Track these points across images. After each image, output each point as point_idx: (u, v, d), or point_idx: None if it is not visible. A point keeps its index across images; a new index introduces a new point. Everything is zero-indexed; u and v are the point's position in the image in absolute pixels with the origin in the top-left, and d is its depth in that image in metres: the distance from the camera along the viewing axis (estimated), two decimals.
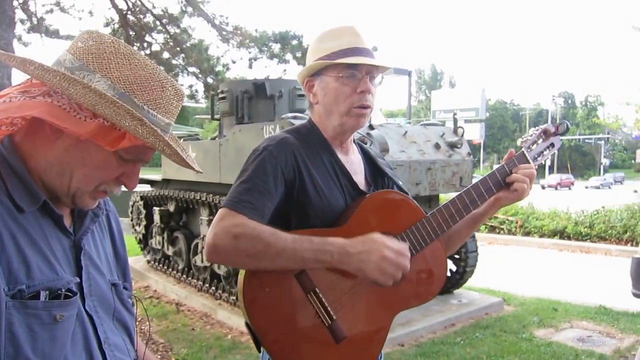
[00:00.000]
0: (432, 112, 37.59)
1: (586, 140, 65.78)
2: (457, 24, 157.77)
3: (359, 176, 1.61)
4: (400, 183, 1.70)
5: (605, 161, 65.17)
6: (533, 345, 4.71)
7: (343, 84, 1.50)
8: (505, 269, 9.36)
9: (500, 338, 4.92)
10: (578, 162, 70.43)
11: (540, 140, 1.63)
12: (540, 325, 5.32)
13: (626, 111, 12.53)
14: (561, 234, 12.26)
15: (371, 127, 4.96)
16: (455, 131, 5.96)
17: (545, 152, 1.64)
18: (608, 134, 57.17)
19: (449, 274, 6.19)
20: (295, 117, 4.82)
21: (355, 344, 1.45)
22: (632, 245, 10.72)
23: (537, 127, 1.68)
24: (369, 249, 1.38)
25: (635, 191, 29.69)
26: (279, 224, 1.41)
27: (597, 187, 43.76)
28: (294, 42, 10.76)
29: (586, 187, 43.14)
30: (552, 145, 1.65)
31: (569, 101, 76.70)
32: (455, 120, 6.21)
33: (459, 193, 1.56)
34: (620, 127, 16.58)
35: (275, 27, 12.20)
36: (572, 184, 45.66)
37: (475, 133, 35.51)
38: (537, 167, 1.63)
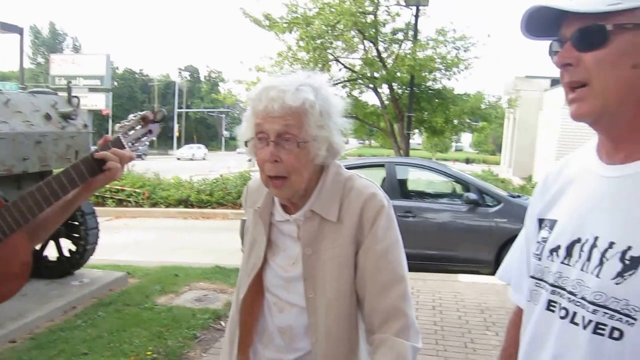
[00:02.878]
0: (52, 78, 33.94)
1: (210, 114, 71.38)
2: None
3: None
4: None
5: (226, 133, 72.16)
6: (154, 313, 4.86)
7: None
8: (133, 241, 9.38)
9: (123, 312, 4.90)
10: (204, 134, 75.98)
11: (139, 126, 1.59)
12: (162, 293, 5.53)
13: (240, 88, 14.05)
14: (185, 202, 13.03)
15: None
16: (69, 101, 5.52)
17: (143, 139, 1.61)
18: (228, 108, 63.43)
19: (68, 254, 5.79)
20: None
21: None
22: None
23: (135, 113, 1.64)
24: None
25: (249, 160, 34.00)
26: None
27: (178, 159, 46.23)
28: None
29: (178, 158, 44.93)
30: (150, 131, 1.63)
31: (195, 75, 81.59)
32: (69, 89, 5.74)
33: (46, 179, 1.39)
34: (237, 102, 18.52)
35: None
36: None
37: (101, 103, 33.93)
38: (137, 151, 1.60)
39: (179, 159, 45.23)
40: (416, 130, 15.17)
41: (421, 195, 7.73)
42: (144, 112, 1.64)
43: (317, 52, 12.73)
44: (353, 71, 13.99)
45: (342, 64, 13.91)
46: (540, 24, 0.95)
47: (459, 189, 7.39)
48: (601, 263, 0.89)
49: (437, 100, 13.68)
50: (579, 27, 0.89)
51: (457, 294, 5.47)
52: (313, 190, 1.41)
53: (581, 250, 0.93)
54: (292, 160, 1.32)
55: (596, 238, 0.91)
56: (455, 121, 14.07)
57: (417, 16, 12.63)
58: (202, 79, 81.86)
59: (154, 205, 13.12)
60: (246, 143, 1.41)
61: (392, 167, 6.86)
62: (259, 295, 1.50)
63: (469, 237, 6.41)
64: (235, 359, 1.52)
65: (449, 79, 13.60)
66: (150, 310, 4.95)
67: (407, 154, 12.67)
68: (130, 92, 69.66)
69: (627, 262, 0.85)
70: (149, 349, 4.07)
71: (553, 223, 1.03)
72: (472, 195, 6.38)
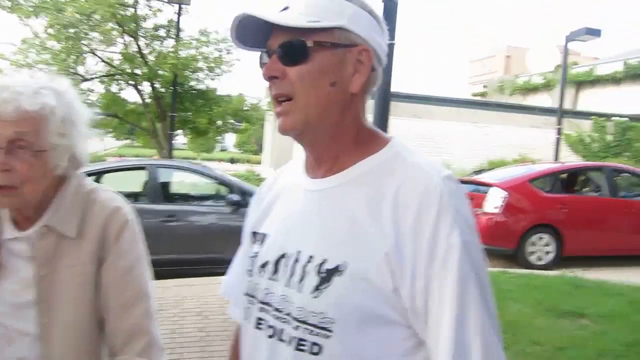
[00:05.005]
0: None
1: None
2: None
3: None
4: None
5: None
6: None
7: None
8: None
9: None
10: None
11: None
12: None
13: None
14: None
15: None
16: None
17: None
18: None
19: None
20: None
21: None
22: None
23: None
24: None
25: None
26: None
27: None
28: None
29: None
30: None
31: None
32: None
33: None
34: None
35: None
36: None
37: None
38: None
39: None
40: (180, 131, 14.88)
41: (185, 198, 7.57)
42: None
43: (70, 42, 11.57)
44: (111, 66, 13.08)
45: (100, 58, 12.89)
46: (252, 33, 0.94)
47: (222, 190, 7.44)
48: (302, 278, 0.90)
49: (200, 101, 13.62)
50: (283, 40, 0.90)
51: (222, 297, 5.47)
52: (50, 203, 1.26)
53: (286, 265, 0.94)
54: (26, 169, 1.18)
55: (299, 252, 0.92)
56: (219, 122, 14.20)
57: (179, 14, 12.39)
58: None
59: None
60: None
61: (153, 170, 6.55)
62: None
63: (233, 238, 6.41)
64: None
65: (212, 80, 13.68)
66: None
67: (170, 155, 12.32)
68: None
69: (322, 275, 0.87)
70: None
71: (264, 237, 1.03)
72: (235, 197, 6.46)
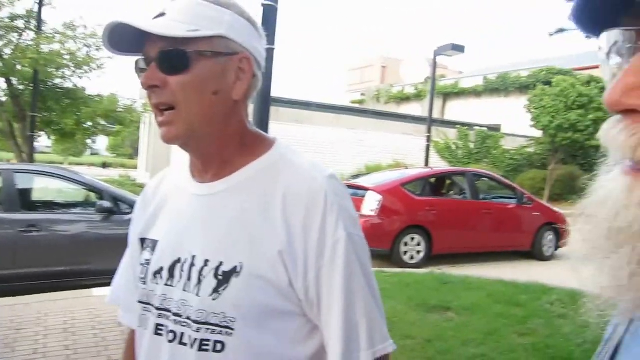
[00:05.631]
0: None
1: None
2: None
3: None
4: None
5: None
6: None
7: None
8: None
9: None
10: None
11: None
12: None
13: None
14: None
15: None
16: None
17: None
18: None
19: None
20: None
21: None
22: None
23: None
24: None
25: None
26: None
27: None
28: None
29: None
30: None
31: None
32: None
33: None
34: None
35: None
36: None
37: None
38: None
39: None
40: (43, 132, 13.64)
41: (48, 206, 6.95)
42: None
43: None
44: None
45: None
46: (127, 38, 0.90)
47: (93, 197, 6.93)
48: (200, 281, 0.91)
49: (66, 100, 12.58)
50: (162, 49, 0.88)
51: (92, 311, 5.11)
52: None
53: (182, 270, 0.94)
54: None
55: (194, 257, 0.93)
56: (88, 123, 13.25)
57: (40, 4, 11.36)
58: None
59: None
60: None
61: (9, 175, 5.91)
62: None
63: (105, 247, 6.03)
64: None
65: (80, 78, 12.69)
66: None
67: (31, 159, 11.25)
68: None
69: (220, 277, 0.90)
70: None
71: (155, 243, 1.02)
72: (106, 204, 6.05)
